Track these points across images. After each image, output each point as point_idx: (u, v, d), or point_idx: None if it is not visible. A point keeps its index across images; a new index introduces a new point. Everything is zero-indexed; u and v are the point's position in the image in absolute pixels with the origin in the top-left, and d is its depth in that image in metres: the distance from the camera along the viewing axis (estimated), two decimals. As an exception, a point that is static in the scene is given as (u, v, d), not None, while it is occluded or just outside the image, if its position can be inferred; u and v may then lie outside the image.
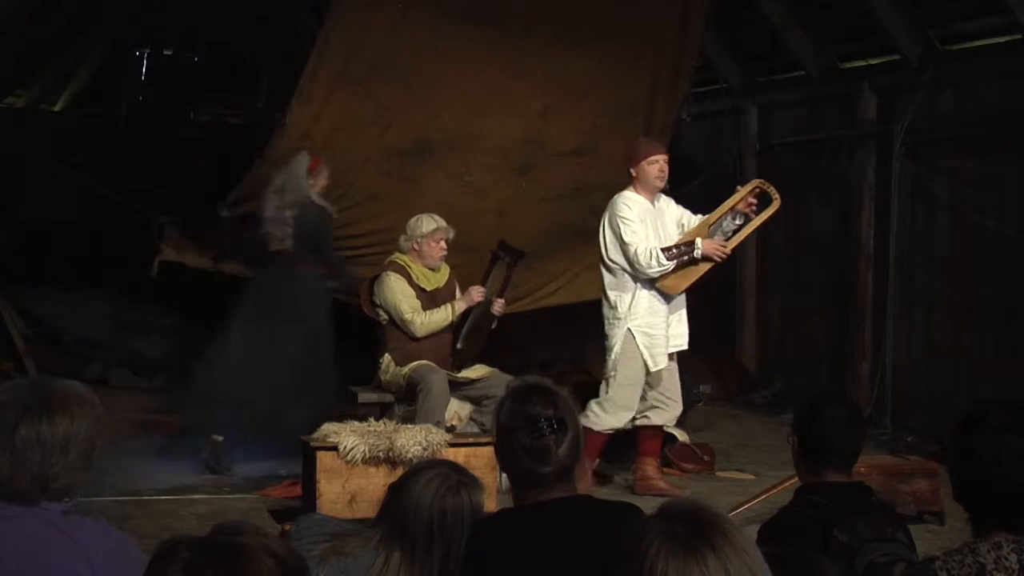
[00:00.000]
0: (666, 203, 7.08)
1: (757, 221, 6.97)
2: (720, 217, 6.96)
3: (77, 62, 15.05)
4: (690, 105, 9.92)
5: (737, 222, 7.00)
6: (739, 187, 7.11)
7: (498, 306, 7.51)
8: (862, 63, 9.60)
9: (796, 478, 3.60)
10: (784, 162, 10.51)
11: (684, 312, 7.04)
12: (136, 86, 15.68)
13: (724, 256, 6.86)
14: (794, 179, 10.37)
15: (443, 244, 7.15)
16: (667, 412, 7.02)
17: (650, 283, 6.85)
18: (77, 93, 15.43)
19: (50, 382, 2.64)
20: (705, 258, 6.83)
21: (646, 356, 6.84)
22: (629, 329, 6.84)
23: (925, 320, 8.92)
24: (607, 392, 6.92)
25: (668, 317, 6.92)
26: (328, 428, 6.15)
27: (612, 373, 6.92)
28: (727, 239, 6.94)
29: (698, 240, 6.83)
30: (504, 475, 3.59)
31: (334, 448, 5.93)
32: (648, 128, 8.71)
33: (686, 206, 7.15)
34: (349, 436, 5.97)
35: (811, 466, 3.39)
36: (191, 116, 16.12)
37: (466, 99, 8.22)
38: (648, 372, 6.88)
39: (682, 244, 6.84)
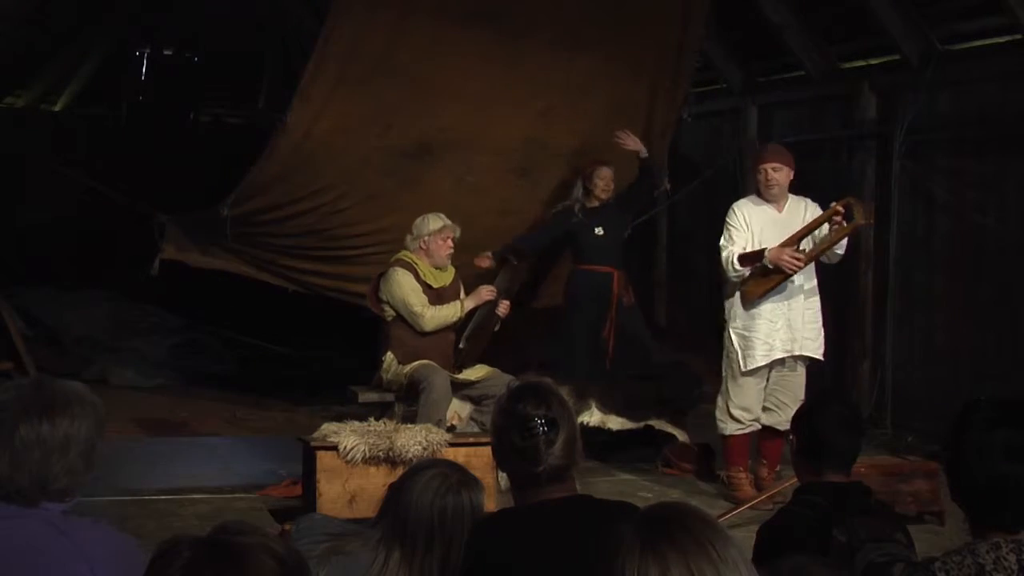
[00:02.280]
0: (805, 210, 7.01)
1: (835, 236, 6.87)
2: (806, 230, 6.92)
3: (77, 62, 15.03)
4: (690, 105, 9.92)
5: (834, 228, 6.93)
6: (834, 203, 6.97)
7: (503, 307, 7.51)
8: (862, 63, 9.60)
9: (796, 478, 3.60)
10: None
11: (811, 317, 7.02)
12: (136, 86, 15.65)
13: (793, 266, 6.81)
14: (794, 179, 10.36)
15: (450, 243, 7.15)
16: (776, 415, 7.04)
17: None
18: (77, 93, 15.41)
19: (51, 383, 2.63)
20: (775, 267, 6.85)
21: (739, 357, 6.97)
22: (729, 331, 7.03)
23: (925, 320, 8.91)
24: (722, 395, 7.09)
25: (777, 321, 6.94)
26: (328, 428, 6.15)
27: (723, 374, 7.11)
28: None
29: (767, 249, 6.85)
30: (504, 475, 3.60)
31: (334, 448, 5.94)
32: (648, 128, 8.71)
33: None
34: (349, 436, 5.97)
35: (811, 466, 3.39)
36: (191, 116, 16.11)
37: (467, 99, 8.22)
38: (743, 372, 6.99)
39: (756, 252, 6.89)
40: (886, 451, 8.02)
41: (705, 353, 8.89)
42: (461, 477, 2.88)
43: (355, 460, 5.90)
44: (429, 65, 8.03)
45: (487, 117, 8.30)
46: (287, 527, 3.88)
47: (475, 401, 7.13)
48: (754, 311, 6.95)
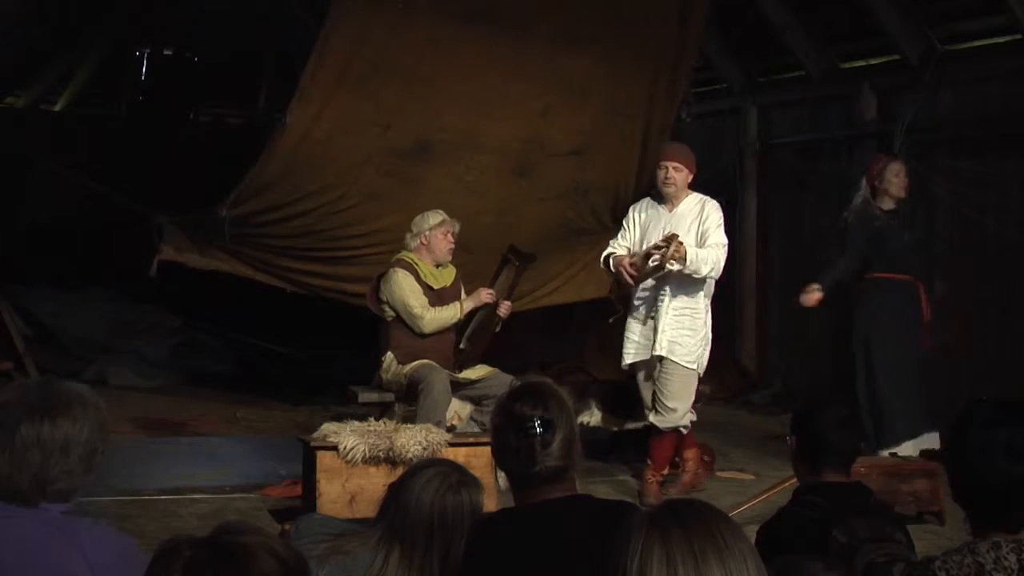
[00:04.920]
0: (701, 209, 6.89)
1: (648, 270, 6.84)
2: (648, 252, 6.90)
3: (77, 62, 15.04)
4: (690, 105, 9.92)
5: (652, 263, 6.83)
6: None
7: (504, 309, 7.51)
8: (862, 63, 9.61)
9: (795, 478, 3.60)
10: (784, 162, 10.51)
11: (677, 323, 6.87)
12: (136, 86, 15.66)
13: (625, 279, 6.96)
14: (794, 179, 10.36)
15: (450, 238, 7.14)
16: (656, 415, 7.00)
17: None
18: (77, 93, 15.40)
19: (55, 384, 2.63)
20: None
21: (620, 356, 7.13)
22: None
23: (925, 320, 8.91)
24: None
25: (646, 323, 6.96)
26: (328, 428, 6.15)
27: None
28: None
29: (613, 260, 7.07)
30: (504, 475, 3.60)
31: (334, 448, 5.94)
32: (648, 128, 8.71)
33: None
34: (349, 436, 5.97)
35: (810, 466, 3.39)
36: (191, 116, 16.11)
37: (466, 99, 8.22)
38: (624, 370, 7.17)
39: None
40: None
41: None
42: (461, 477, 2.88)
43: (355, 460, 5.90)
44: (428, 65, 8.03)
45: (486, 117, 8.30)
46: (287, 527, 3.88)
47: (475, 401, 7.13)
48: (632, 312, 7.05)
